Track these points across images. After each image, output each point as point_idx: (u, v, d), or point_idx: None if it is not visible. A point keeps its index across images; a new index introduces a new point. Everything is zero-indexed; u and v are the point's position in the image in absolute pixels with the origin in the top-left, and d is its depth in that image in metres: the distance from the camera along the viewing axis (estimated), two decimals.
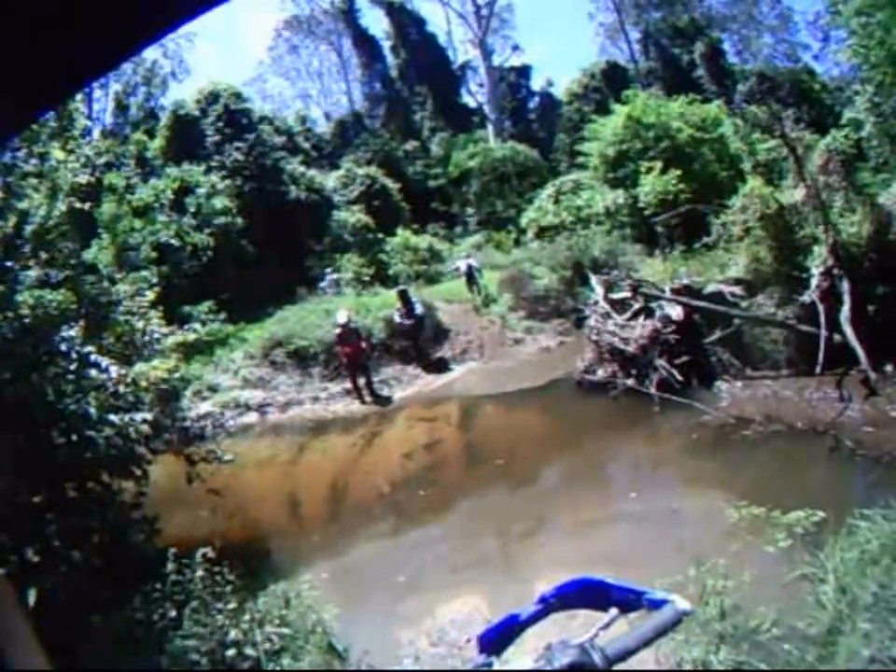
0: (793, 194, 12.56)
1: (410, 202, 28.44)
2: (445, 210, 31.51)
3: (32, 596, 3.28)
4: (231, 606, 5.10)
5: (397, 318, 15.58)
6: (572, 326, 16.46)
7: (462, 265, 19.19)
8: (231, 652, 4.75)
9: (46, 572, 3.62)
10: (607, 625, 1.40)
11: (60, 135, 6.95)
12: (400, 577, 7.18)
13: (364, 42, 39.77)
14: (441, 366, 15.83)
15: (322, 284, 20.82)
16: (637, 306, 12.56)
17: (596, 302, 13.48)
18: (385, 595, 6.88)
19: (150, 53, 33.81)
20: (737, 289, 11.82)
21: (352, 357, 13.92)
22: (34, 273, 6.38)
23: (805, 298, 10.77)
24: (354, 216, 25.24)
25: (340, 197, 26.46)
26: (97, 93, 32.68)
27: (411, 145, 34.15)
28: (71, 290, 6.84)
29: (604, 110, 26.86)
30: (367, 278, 22.03)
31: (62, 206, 7.05)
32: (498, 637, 1.59)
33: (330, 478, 10.90)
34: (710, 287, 12.18)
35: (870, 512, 5.08)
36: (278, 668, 4.92)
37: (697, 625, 4.52)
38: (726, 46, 40.24)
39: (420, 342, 15.81)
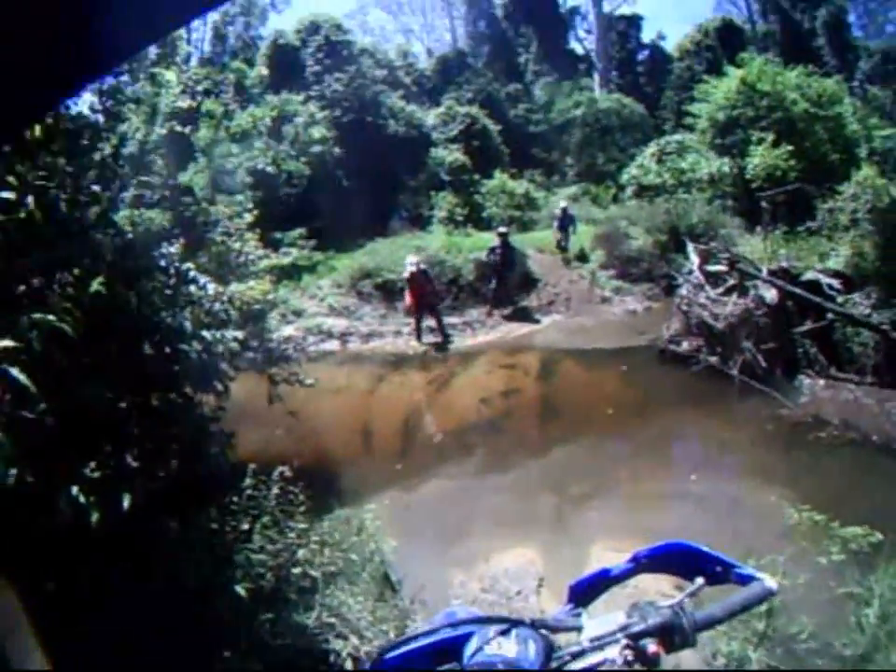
0: None
1: (509, 145, 27.76)
2: (544, 157, 30.68)
3: (126, 501, 3.41)
4: (302, 526, 5.24)
5: (485, 258, 15.63)
6: (661, 292, 16.20)
7: (558, 211, 18.47)
8: (297, 571, 4.89)
9: (142, 477, 3.76)
10: (693, 593, 1.42)
11: (162, 61, 7.04)
12: (460, 519, 7.35)
13: None
14: (524, 315, 15.75)
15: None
16: (731, 282, 12.05)
17: (691, 272, 13.04)
18: (441, 534, 7.02)
19: None
20: (835, 282, 11.13)
21: (420, 299, 13.95)
22: (130, 194, 6.53)
23: None
24: (451, 154, 24.86)
25: (438, 134, 26.11)
26: (195, 23, 33.09)
27: (513, 87, 33.16)
28: (167, 210, 7.05)
29: (716, 71, 25.62)
30: (460, 218, 22.00)
31: (160, 130, 7.19)
32: (588, 589, 1.63)
33: (405, 412, 11.00)
34: (808, 275, 11.54)
35: None
36: (335, 590, 5.06)
37: (739, 620, 4.51)
38: (851, 18, 37.82)
39: (508, 287, 15.74)
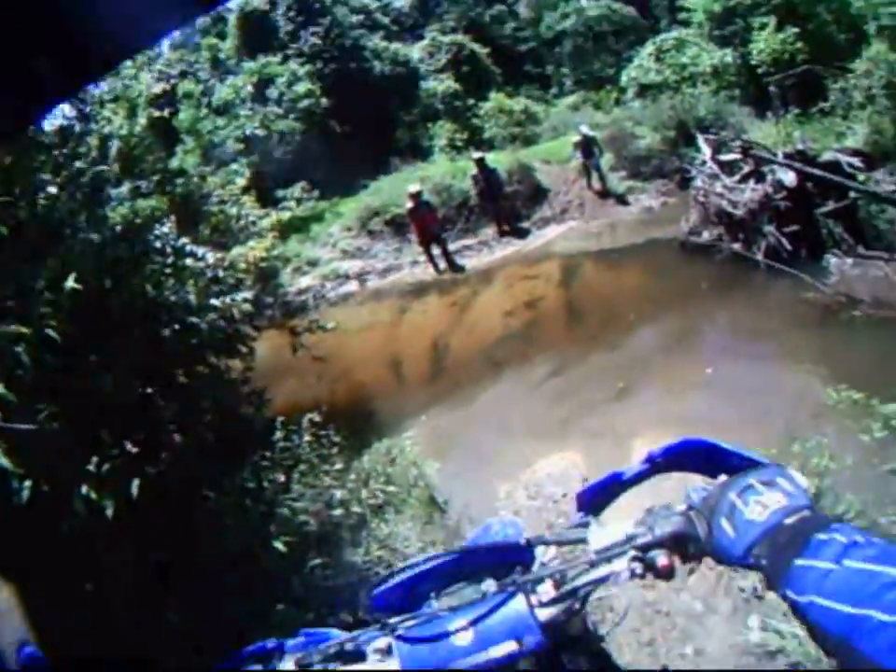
0: None
1: (500, 66, 27.48)
2: (538, 72, 30.13)
3: (135, 487, 3.39)
4: (338, 466, 5.39)
5: (471, 186, 15.66)
6: (675, 187, 15.96)
7: (578, 138, 16.71)
8: (338, 512, 5.00)
9: (149, 460, 3.72)
10: None
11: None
12: (500, 431, 7.40)
13: None
14: (537, 226, 15.81)
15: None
16: (746, 169, 11.68)
17: (704, 163, 12.75)
18: (484, 449, 7.08)
19: None
20: (855, 160, 10.73)
21: (424, 228, 13.98)
22: (125, 189, 6.62)
23: None
24: (443, 84, 24.71)
25: (426, 67, 25.86)
26: None
27: (496, 9, 31.93)
28: (163, 195, 7.14)
29: None
30: (460, 144, 21.92)
31: (142, 120, 7.21)
32: (598, 496, 1.46)
33: (432, 338, 11.11)
34: (826, 156, 11.09)
35: None
36: (381, 523, 5.20)
37: None
38: None
39: (503, 207, 15.71)
